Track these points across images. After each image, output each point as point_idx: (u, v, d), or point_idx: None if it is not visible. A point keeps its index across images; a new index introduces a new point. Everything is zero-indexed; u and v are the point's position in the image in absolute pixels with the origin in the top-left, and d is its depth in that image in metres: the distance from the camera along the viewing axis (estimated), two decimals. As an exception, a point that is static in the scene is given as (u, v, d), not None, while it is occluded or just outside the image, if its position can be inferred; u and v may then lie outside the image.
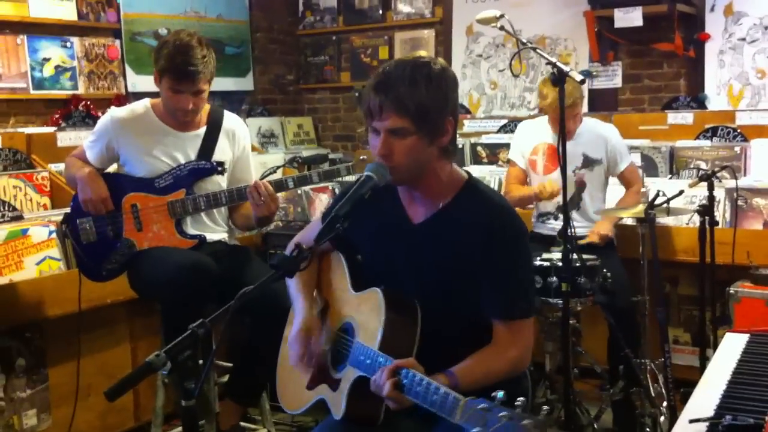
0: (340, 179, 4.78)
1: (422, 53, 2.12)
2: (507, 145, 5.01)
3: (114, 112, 3.25)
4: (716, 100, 4.95)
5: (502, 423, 1.59)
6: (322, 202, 4.91)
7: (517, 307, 2.09)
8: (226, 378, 3.44)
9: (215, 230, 3.32)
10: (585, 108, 4.48)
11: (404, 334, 2.04)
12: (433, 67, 2.03)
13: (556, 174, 3.66)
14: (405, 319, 2.06)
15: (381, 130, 2.01)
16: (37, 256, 3.58)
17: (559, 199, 3.56)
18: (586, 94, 4.01)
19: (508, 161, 4.24)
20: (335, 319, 2.28)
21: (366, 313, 2.14)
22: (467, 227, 2.06)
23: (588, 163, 3.98)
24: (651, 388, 3.55)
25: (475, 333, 2.10)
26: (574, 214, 3.93)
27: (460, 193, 2.13)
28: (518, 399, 1.61)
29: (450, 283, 2.09)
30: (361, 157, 3.12)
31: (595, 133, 4.01)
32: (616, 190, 4.16)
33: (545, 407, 1.68)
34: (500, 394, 1.64)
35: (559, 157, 2.99)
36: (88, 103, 4.92)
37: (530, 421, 1.57)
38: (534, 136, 4.08)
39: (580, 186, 3.98)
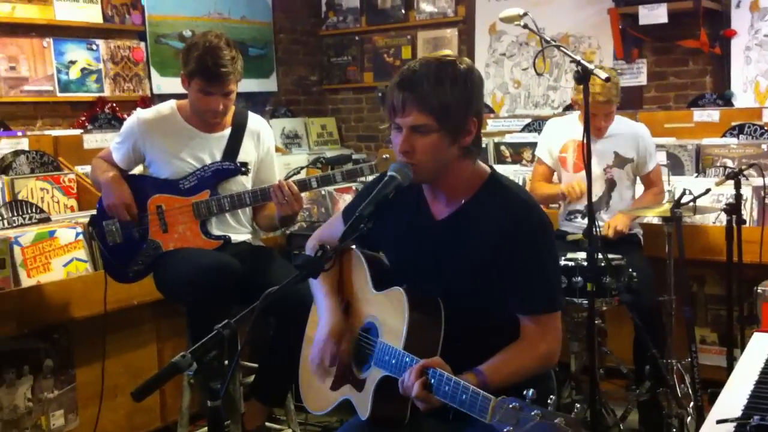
0: (363, 179, 4.79)
1: (448, 52, 2.12)
2: (531, 144, 4.99)
3: (140, 113, 3.28)
4: (742, 97, 4.90)
5: (535, 422, 1.59)
6: (345, 202, 4.91)
7: (543, 301, 2.07)
8: (251, 378, 3.46)
9: (240, 231, 3.34)
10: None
11: (429, 333, 2.04)
12: (459, 66, 2.02)
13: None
14: (429, 318, 2.06)
15: (403, 126, 2.01)
16: (64, 258, 3.62)
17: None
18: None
19: (536, 159, 4.21)
20: (357, 319, 2.28)
21: (389, 312, 2.13)
22: (490, 222, 2.06)
23: (619, 161, 3.94)
24: (678, 389, 3.52)
25: (501, 329, 2.09)
26: (603, 214, 3.90)
27: (482, 189, 2.12)
28: (550, 397, 1.61)
29: (473, 279, 2.08)
30: (384, 156, 3.11)
31: (628, 131, 3.97)
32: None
33: (577, 405, 1.68)
34: (531, 392, 1.63)
35: (584, 155, 2.97)
36: (114, 105, 4.96)
37: (563, 419, 1.57)
38: (564, 134, 4.06)
39: (611, 185, 3.95)
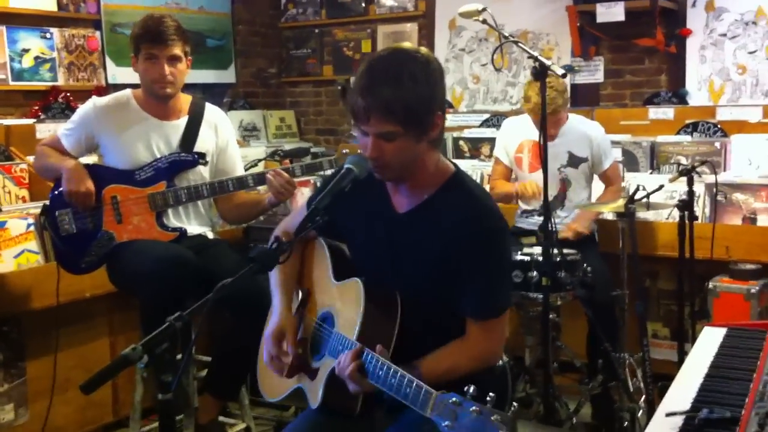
0: (322, 173, 4.77)
1: (406, 45, 2.09)
2: (489, 140, 5.02)
3: (96, 100, 3.24)
4: (697, 95, 4.97)
5: (472, 417, 1.61)
6: (304, 195, 4.88)
7: (490, 308, 2.08)
8: (204, 372, 3.43)
9: (197, 223, 3.30)
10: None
11: (383, 325, 2.04)
12: (418, 61, 1.98)
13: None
14: (384, 311, 2.06)
15: (369, 133, 1.99)
16: (15, 249, 3.55)
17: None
18: (568, 90, 4.01)
19: (494, 158, 4.23)
20: (315, 308, 2.28)
21: (345, 302, 2.13)
22: (449, 221, 2.05)
23: (573, 161, 3.97)
24: (629, 383, 3.57)
25: (454, 325, 2.10)
26: (559, 212, 3.93)
27: (444, 186, 2.12)
28: (489, 394, 1.63)
29: (428, 274, 2.08)
30: (344, 151, 3.11)
31: (581, 131, 4.00)
32: (601, 186, 4.16)
33: (514, 404, 1.70)
34: (471, 388, 1.65)
35: (540, 153, 2.99)
36: (68, 94, 4.88)
37: (498, 416, 1.59)
38: (519, 134, 4.08)
39: (565, 184, 3.98)
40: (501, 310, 2.10)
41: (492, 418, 1.59)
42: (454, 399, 1.66)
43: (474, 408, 1.62)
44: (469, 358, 2.07)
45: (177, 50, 3.12)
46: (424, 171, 2.09)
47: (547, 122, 3.74)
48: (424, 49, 2.06)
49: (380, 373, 1.87)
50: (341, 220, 2.21)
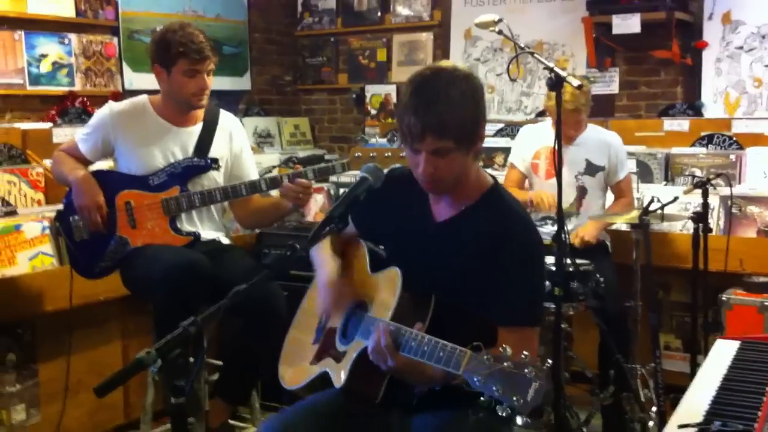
0: (335, 178, 4.79)
1: (445, 63, 2.12)
2: (503, 149, 5.03)
3: (113, 105, 3.26)
4: (712, 107, 4.96)
5: (506, 371, 1.63)
6: (317, 202, 4.91)
7: (524, 315, 2.10)
8: (216, 376, 3.44)
9: (210, 228, 3.32)
10: (581, 113, 4.47)
11: (416, 312, 2.06)
12: (462, 78, 2.03)
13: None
14: (418, 302, 2.09)
15: (423, 151, 2.02)
16: (30, 252, 3.57)
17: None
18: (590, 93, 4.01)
19: (509, 164, 4.23)
20: (350, 297, 2.30)
21: (382, 290, 2.17)
22: (486, 232, 2.09)
23: (591, 169, 3.97)
24: (641, 393, 3.56)
25: (482, 335, 2.11)
26: (574, 220, 3.93)
27: (483, 198, 2.16)
28: (523, 352, 1.64)
29: (463, 283, 2.11)
30: (356, 155, 3.11)
31: (600, 139, 4.00)
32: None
33: (549, 360, 1.71)
34: (507, 347, 1.67)
35: (555, 161, 2.99)
36: (85, 99, 4.91)
37: (533, 369, 1.61)
38: (536, 140, 4.08)
39: (581, 192, 3.98)
40: (537, 320, 2.14)
41: (526, 371, 1.61)
42: (487, 356, 1.68)
43: (507, 363, 1.63)
44: None
45: (213, 64, 3.19)
46: (466, 181, 2.14)
47: (566, 123, 3.78)
48: (462, 65, 2.12)
49: (413, 343, 1.90)
50: (380, 226, 2.28)
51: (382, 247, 2.38)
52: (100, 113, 3.26)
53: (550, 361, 1.74)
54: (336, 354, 2.21)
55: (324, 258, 2.38)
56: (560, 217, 3.05)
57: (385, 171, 2.29)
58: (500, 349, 1.68)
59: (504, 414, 1.62)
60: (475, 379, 1.66)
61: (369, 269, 2.29)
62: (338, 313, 2.30)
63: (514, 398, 1.60)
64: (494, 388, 1.63)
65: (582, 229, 3.86)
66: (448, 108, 1.98)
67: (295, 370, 2.36)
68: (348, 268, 2.36)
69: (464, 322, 2.10)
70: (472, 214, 2.14)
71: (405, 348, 1.92)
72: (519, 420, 1.61)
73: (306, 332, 2.43)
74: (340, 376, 2.12)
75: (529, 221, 2.17)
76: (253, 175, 3.38)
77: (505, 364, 1.64)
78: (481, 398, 1.65)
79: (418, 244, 2.19)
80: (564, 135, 3.75)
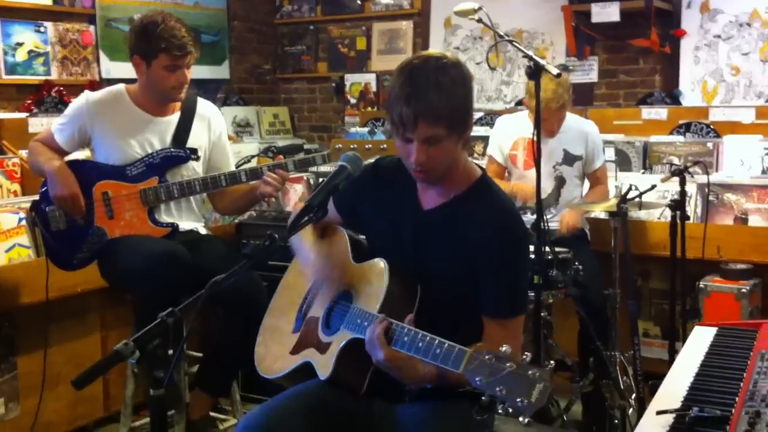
0: (315, 168, 4.78)
1: (434, 52, 2.12)
2: (483, 138, 5.02)
3: (89, 95, 3.23)
4: (690, 96, 4.99)
5: (509, 372, 1.62)
6: (296, 192, 4.89)
7: (511, 307, 2.11)
8: (196, 368, 3.42)
9: (189, 219, 3.30)
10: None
11: (404, 304, 2.06)
12: (452, 65, 2.04)
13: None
14: (405, 293, 2.09)
15: (415, 139, 2.02)
16: (6, 244, 3.54)
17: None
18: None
19: (488, 157, 4.23)
20: (332, 287, 2.29)
21: (368, 280, 2.16)
22: (475, 221, 2.10)
23: (569, 159, 3.98)
24: (620, 381, 3.57)
25: (467, 323, 2.11)
26: (553, 210, 3.93)
27: (472, 188, 2.16)
28: (525, 353, 1.64)
29: (450, 271, 2.12)
30: (337, 146, 3.10)
31: (577, 129, 4.01)
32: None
33: (551, 362, 1.70)
34: (505, 347, 1.66)
35: (534, 153, 2.99)
36: (61, 89, 4.86)
37: (536, 371, 1.60)
38: (514, 131, 4.08)
39: (560, 182, 3.98)
40: (521, 310, 2.15)
41: (529, 372, 1.60)
42: (489, 356, 1.67)
43: (510, 364, 1.63)
44: None
45: (194, 58, 3.17)
46: (455, 170, 2.14)
47: (549, 120, 3.79)
48: (450, 54, 2.12)
49: (406, 338, 1.89)
50: (367, 214, 2.27)
51: (362, 236, 2.37)
52: (76, 103, 3.22)
53: (552, 362, 1.73)
54: (319, 344, 2.20)
55: (306, 240, 2.36)
56: (539, 206, 3.05)
57: (373, 160, 2.29)
58: (500, 348, 1.66)
59: (506, 413, 1.61)
60: (477, 379, 1.65)
61: (352, 258, 2.29)
62: (321, 301, 2.30)
63: (518, 399, 1.58)
64: (498, 389, 1.61)
65: (567, 215, 3.87)
66: (440, 94, 1.98)
67: (274, 359, 2.35)
68: (329, 255, 2.35)
69: (448, 311, 2.11)
70: (461, 203, 2.14)
71: (398, 342, 1.91)
72: (522, 419, 1.59)
73: (284, 320, 2.42)
74: (326, 367, 2.12)
75: (517, 215, 2.17)
76: (230, 164, 3.36)
77: (507, 365, 1.62)
78: (482, 398, 1.64)
79: (403, 231, 2.19)
80: (546, 130, 3.78)
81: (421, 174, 2.08)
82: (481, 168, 2.23)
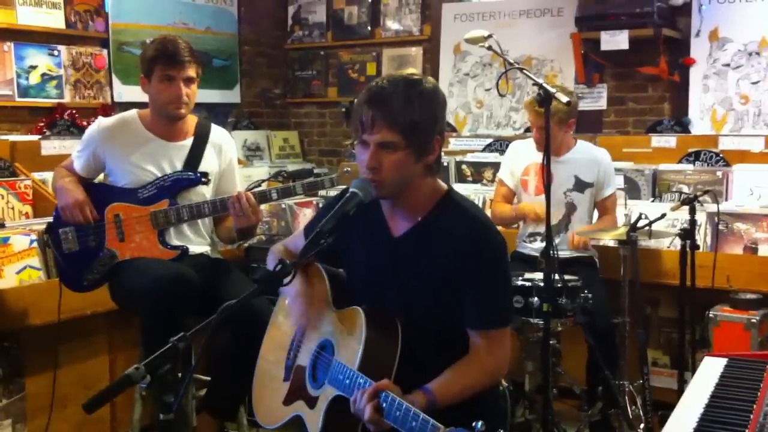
0: (324, 192, 4.79)
1: (413, 71, 2.15)
2: (492, 164, 5.04)
3: (102, 121, 3.27)
4: (699, 124, 5.00)
5: None
6: (306, 216, 4.90)
7: (494, 318, 2.11)
8: (204, 392, 3.42)
9: (198, 242, 3.31)
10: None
11: (385, 353, 2.04)
12: (425, 85, 2.06)
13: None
14: (385, 339, 2.06)
15: (371, 143, 2.03)
16: (18, 265, 3.55)
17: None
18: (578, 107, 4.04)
19: (498, 180, 4.23)
20: (314, 335, 2.28)
21: (346, 331, 2.14)
22: (446, 239, 2.09)
23: (580, 185, 3.98)
24: (629, 410, 3.56)
25: (455, 343, 2.11)
26: (562, 236, 3.93)
27: (437, 205, 2.16)
28: (498, 430, 1.63)
29: (430, 294, 2.11)
30: (345, 170, 3.12)
31: (589, 156, 4.02)
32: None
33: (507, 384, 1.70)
34: (479, 424, 1.65)
35: (544, 178, 3.00)
36: (74, 112, 4.90)
37: None
38: (526, 156, 4.09)
39: (570, 209, 3.98)
40: (504, 320, 2.13)
41: None
42: None
43: None
44: (479, 375, 2.08)
45: (192, 72, 3.15)
46: (419, 194, 2.13)
47: (534, 128, 3.82)
48: (431, 78, 2.13)
49: (398, 414, 1.86)
50: (340, 243, 2.22)
51: (341, 270, 2.35)
52: (90, 129, 3.27)
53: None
54: (308, 397, 2.19)
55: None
56: (548, 233, 3.06)
57: (341, 190, 2.27)
58: (473, 424, 1.65)
59: None
60: None
61: (332, 301, 2.27)
62: (306, 350, 2.28)
63: None
64: None
65: (575, 233, 3.86)
66: (403, 103, 2.00)
67: (270, 408, 2.34)
68: (310, 302, 2.31)
69: (432, 334, 2.11)
70: (428, 224, 2.14)
71: (389, 417, 1.88)
72: None
73: (275, 366, 2.40)
74: (315, 425, 2.11)
75: (489, 223, 2.15)
76: (238, 189, 3.37)
77: None
78: None
79: (379, 261, 2.19)
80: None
81: (372, 180, 2.05)
82: (447, 184, 2.22)
